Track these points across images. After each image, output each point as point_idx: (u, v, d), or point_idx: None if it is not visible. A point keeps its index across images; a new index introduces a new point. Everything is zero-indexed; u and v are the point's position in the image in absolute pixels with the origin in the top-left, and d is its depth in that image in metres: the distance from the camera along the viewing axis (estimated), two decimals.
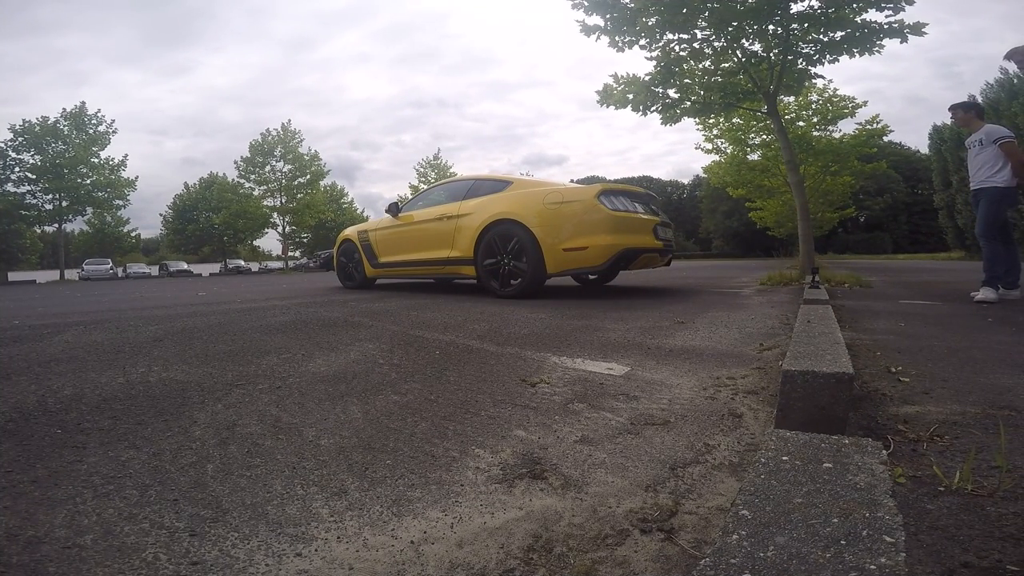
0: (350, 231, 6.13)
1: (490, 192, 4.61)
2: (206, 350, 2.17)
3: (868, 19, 6.04)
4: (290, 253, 36.97)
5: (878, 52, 6.35)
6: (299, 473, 1.01)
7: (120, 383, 1.65)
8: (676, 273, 9.28)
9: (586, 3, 6.30)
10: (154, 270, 34.39)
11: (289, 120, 30.06)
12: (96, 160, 23.27)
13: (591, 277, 5.40)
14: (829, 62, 6.73)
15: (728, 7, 5.98)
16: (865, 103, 13.53)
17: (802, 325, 1.97)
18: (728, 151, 14.82)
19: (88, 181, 23.10)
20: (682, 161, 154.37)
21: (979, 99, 19.60)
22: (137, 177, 24.69)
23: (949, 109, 4.04)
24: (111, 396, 1.51)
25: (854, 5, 5.90)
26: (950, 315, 3.04)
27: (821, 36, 6.47)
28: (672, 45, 6.82)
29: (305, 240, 41.38)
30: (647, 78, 7.22)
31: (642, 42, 6.73)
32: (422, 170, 32.42)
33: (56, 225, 24.33)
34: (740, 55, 7.16)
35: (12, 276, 27.16)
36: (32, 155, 22.29)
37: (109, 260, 30.59)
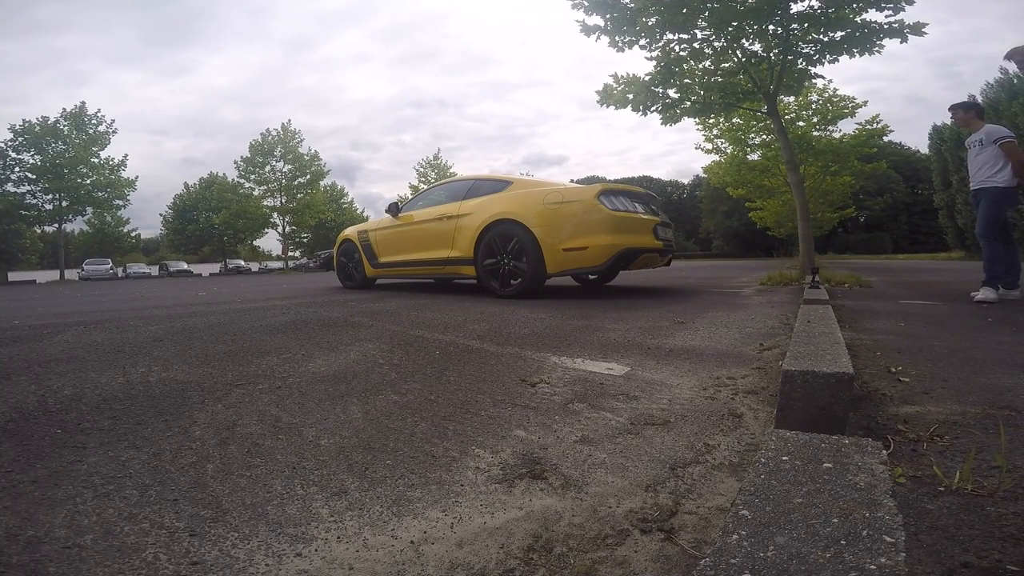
0: (350, 231, 6.13)
1: (490, 192, 4.61)
2: (206, 350, 2.17)
3: (868, 19, 6.04)
4: (290, 253, 36.98)
5: (878, 52, 6.35)
6: (299, 473, 1.01)
7: (120, 383, 1.65)
8: (676, 273, 9.28)
9: (586, 3, 6.30)
10: (154, 270, 34.38)
11: (289, 120, 30.14)
12: (96, 160, 23.28)
13: (591, 277, 5.40)
14: (829, 62, 6.74)
15: (728, 7, 5.98)
16: (865, 103, 13.55)
17: (802, 325, 1.97)
18: (728, 151, 14.82)
19: (88, 181, 23.11)
20: (682, 161, 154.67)
21: (979, 99, 19.60)
22: (137, 177, 24.77)
23: (949, 109, 4.04)
24: (111, 396, 1.51)
25: (854, 5, 5.90)
26: (950, 315, 3.04)
27: (821, 36, 6.47)
28: (672, 45, 6.83)
29: (305, 240, 41.38)
30: (647, 78, 7.22)
31: (642, 42, 6.73)
32: (422, 170, 32.46)
33: (56, 225, 24.34)
34: (740, 55, 7.16)
35: (12, 276, 27.17)
36: (32, 155, 22.31)
37: (109, 260, 30.58)
